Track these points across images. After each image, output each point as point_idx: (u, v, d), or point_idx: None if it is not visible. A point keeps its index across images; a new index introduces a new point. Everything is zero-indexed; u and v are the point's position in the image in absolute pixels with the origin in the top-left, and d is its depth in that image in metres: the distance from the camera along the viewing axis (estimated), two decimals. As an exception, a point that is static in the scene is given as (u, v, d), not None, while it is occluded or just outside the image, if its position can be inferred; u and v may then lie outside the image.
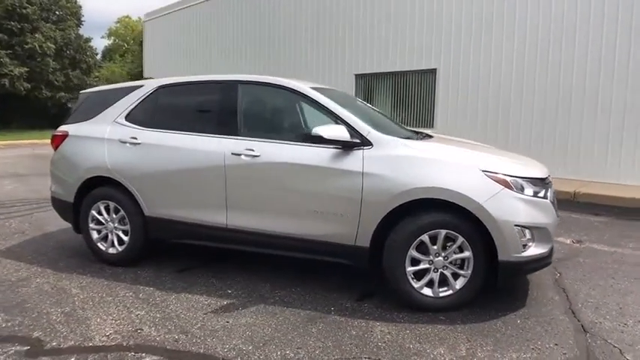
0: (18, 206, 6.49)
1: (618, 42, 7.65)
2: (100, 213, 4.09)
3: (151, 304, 3.30)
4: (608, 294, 3.54)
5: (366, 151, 3.25)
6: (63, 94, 27.86)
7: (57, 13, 28.96)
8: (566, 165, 8.24)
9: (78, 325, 2.97)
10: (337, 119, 3.40)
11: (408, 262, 3.16)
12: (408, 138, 3.55)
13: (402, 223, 3.15)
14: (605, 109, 7.89)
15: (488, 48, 9.17)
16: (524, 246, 3.07)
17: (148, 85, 4.14)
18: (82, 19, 31.42)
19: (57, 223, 5.12)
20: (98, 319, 3.05)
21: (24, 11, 25.01)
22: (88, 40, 31.54)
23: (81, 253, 4.37)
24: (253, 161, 3.50)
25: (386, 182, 3.14)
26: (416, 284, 3.18)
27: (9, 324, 2.98)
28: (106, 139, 4.05)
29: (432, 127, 9.95)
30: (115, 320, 3.04)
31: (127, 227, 4.00)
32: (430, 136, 3.99)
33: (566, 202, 6.63)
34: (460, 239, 3.09)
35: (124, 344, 2.74)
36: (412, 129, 4.53)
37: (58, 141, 4.37)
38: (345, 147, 3.27)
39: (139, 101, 4.09)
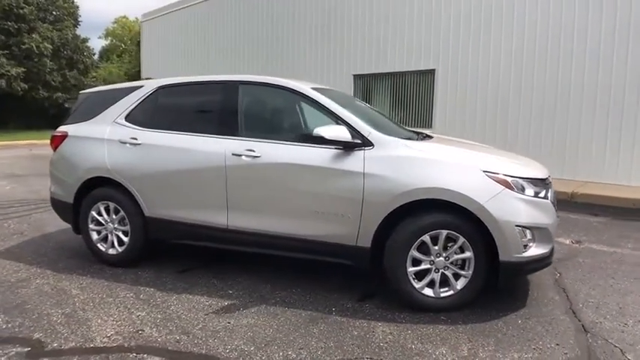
0: (16, 207, 6.46)
1: (617, 40, 7.68)
2: (99, 214, 4.08)
3: (152, 304, 3.29)
4: (608, 294, 3.55)
5: (367, 152, 3.26)
6: (60, 94, 27.75)
7: (54, 13, 28.84)
8: (564, 165, 8.27)
9: (79, 326, 2.96)
10: (338, 120, 3.40)
11: (409, 262, 3.16)
12: (408, 138, 3.55)
13: (403, 223, 3.16)
14: (603, 109, 7.92)
15: (487, 48, 9.20)
16: (525, 246, 3.08)
17: (148, 86, 4.13)
18: (79, 19, 31.31)
19: (56, 223, 5.11)
20: (99, 320, 3.04)
21: (21, 11, 24.90)
22: (85, 40, 31.44)
23: (81, 253, 4.36)
24: (254, 162, 3.50)
25: (387, 183, 3.15)
26: (417, 284, 3.18)
27: (9, 325, 2.97)
28: (105, 139, 4.04)
29: (431, 127, 9.97)
30: (116, 321, 3.03)
31: (127, 228, 3.99)
32: (430, 137, 4.00)
33: (564, 203, 6.64)
34: (461, 239, 3.09)
35: (126, 345, 2.73)
36: (411, 129, 4.53)
37: (57, 141, 4.35)
38: (346, 147, 3.28)
39: (139, 102, 4.09)
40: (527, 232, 3.07)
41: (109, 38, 44.29)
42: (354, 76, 11.60)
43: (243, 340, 2.80)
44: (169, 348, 2.70)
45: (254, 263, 4.09)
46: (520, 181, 3.14)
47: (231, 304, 3.31)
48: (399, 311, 3.18)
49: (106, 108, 4.18)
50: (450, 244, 3.14)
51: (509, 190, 3.06)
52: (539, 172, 3.39)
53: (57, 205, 4.40)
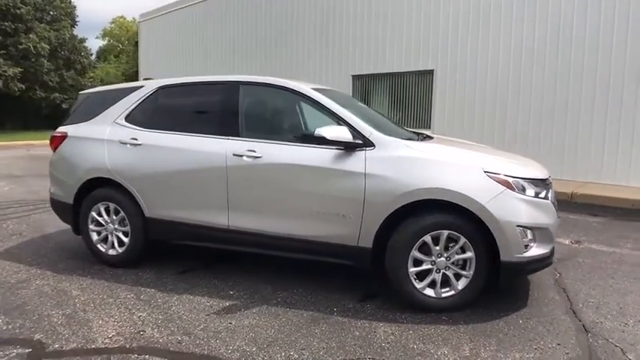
0: (15, 207, 6.44)
1: (615, 40, 7.71)
2: (99, 214, 4.08)
3: (153, 305, 3.29)
4: (608, 294, 3.56)
5: (369, 152, 3.26)
6: (57, 94, 27.71)
7: (51, 13, 28.79)
8: (563, 166, 8.29)
9: (80, 327, 2.96)
10: (339, 120, 3.41)
11: (410, 262, 3.16)
12: (409, 139, 3.56)
13: (404, 223, 3.16)
14: (601, 110, 7.95)
15: (486, 48, 9.22)
16: (526, 246, 3.09)
17: (148, 86, 4.13)
18: (77, 19, 31.30)
19: (55, 224, 5.10)
20: (100, 321, 3.03)
21: (18, 11, 24.85)
22: (83, 40, 31.40)
23: (80, 254, 4.35)
24: (255, 162, 3.49)
25: (388, 183, 3.15)
26: (418, 285, 3.19)
27: (9, 326, 2.96)
28: (106, 140, 4.03)
29: (429, 127, 9.99)
30: (117, 322, 3.02)
31: (127, 228, 3.98)
32: (430, 137, 4.00)
33: (564, 203, 6.65)
34: (462, 240, 3.10)
35: (127, 346, 2.72)
36: (411, 130, 4.54)
37: (57, 142, 4.34)
38: (348, 148, 3.28)
39: (139, 102, 4.08)
40: (528, 232, 3.08)
41: (107, 38, 44.21)
42: (353, 76, 11.61)
43: (245, 340, 2.79)
44: (171, 349, 2.70)
45: (255, 264, 4.09)
46: (521, 181, 3.14)
47: (233, 305, 3.30)
48: (401, 311, 3.19)
49: (106, 108, 4.17)
50: (451, 245, 3.15)
51: (511, 191, 3.07)
52: (540, 173, 3.40)
53: (57, 205, 4.39)
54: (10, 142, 18.00)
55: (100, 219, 4.07)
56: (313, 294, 3.49)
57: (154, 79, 4.55)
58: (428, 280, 3.19)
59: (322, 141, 3.26)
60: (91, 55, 35.08)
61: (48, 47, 26.41)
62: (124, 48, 41.80)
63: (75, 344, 2.74)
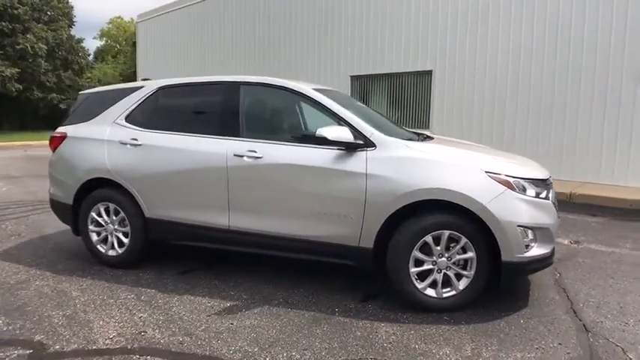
0: (13, 208, 6.41)
1: (613, 40, 7.74)
2: (99, 215, 4.06)
3: (154, 306, 3.28)
4: (607, 294, 3.57)
5: (370, 153, 3.26)
6: (55, 95, 27.65)
7: (48, 13, 28.74)
8: (561, 166, 8.31)
9: (80, 328, 2.95)
10: (340, 121, 3.41)
11: (411, 263, 3.17)
12: (409, 139, 3.56)
13: (405, 224, 3.16)
14: (599, 110, 7.97)
15: (484, 48, 9.24)
16: (527, 246, 3.09)
17: (149, 86, 4.12)
18: (74, 19, 31.23)
19: (54, 225, 5.08)
20: (101, 322, 3.02)
21: (15, 12, 24.79)
22: (80, 40, 31.35)
23: (80, 255, 4.33)
24: (256, 162, 3.49)
25: (389, 183, 3.15)
26: (419, 285, 3.19)
27: (10, 327, 2.95)
28: (106, 140, 4.02)
29: (428, 128, 9.99)
30: (118, 323, 3.02)
31: (127, 229, 3.97)
32: (431, 138, 4.01)
33: (563, 203, 6.65)
34: (463, 240, 3.10)
35: (129, 347, 2.72)
36: (410, 130, 4.54)
37: (56, 142, 4.33)
38: (349, 148, 3.28)
39: (139, 102, 4.07)
40: (529, 232, 3.09)
41: (104, 39, 44.13)
42: (352, 77, 11.61)
43: (246, 341, 2.79)
44: (173, 349, 2.70)
45: (255, 264, 4.09)
46: (522, 181, 3.15)
47: (234, 306, 3.30)
48: (402, 312, 3.19)
49: (106, 108, 4.16)
50: (452, 245, 3.15)
51: (511, 191, 3.08)
52: (540, 173, 3.41)
53: (56, 206, 4.37)
54: (7, 142, 17.95)
55: (99, 219, 4.06)
56: (314, 294, 3.49)
57: (153, 79, 4.54)
58: (429, 281, 3.19)
59: (323, 141, 3.26)
60: (89, 55, 35.05)
61: (45, 47, 26.35)
62: (121, 48, 41.74)
63: (76, 345, 2.73)
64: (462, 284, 3.18)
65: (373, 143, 3.28)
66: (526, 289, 3.63)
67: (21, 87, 25.19)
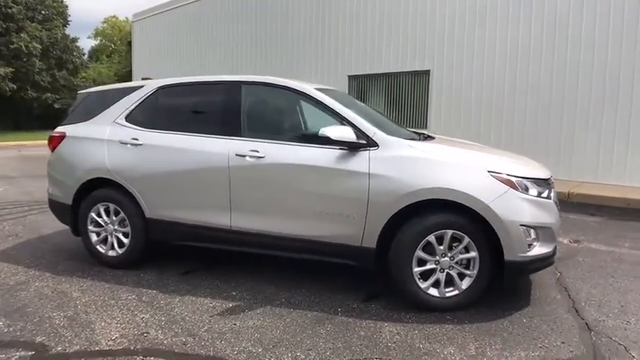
0: (9, 209, 6.36)
1: (610, 42, 7.78)
2: (99, 215, 4.04)
3: (156, 307, 3.26)
4: (608, 292, 3.59)
5: (372, 152, 3.26)
6: (49, 94, 27.48)
7: (43, 12, 28.56)
8: (559, 166, 8.34)
9: (82, 329, 2.92)
10: (343, 120, 3.40)
11: (414, 262, 3.16)
12: (411, 139, 3.56)
13: (408, 223, 3.16)
14: (597, 110, 8.01)
15: (482, 49, 9.26)
16: (530, 245, 3.10)
17: (149, 86, 4.09)
18: (69, 18, 31.07)
19: (52, 225, 5.05)
20: (102, 323, 3.00)
21: (9, 11, 24.63)
22: (75, 40, 31.17)
23: (79, 255, 4.30)
24: (258, 162, 3.48)
25: (392, 183, 3.15)
26: (422, 284, 3.19)
27: (11, 329, 2.92)
28: (106, 140, 4.00)
29: (426, 127, 10.01)
30: (120, 324, 3.00)
31: (128, 229, 3.95)
32: (432, 137, 4.01)
33: (561, 203, 6.66)
34: (466, 239, 3.11)
35: (132, 348, 2.70)
36: (410, 129, 4.54)
37: (55, 142, 4.29)
38: (352, 148, 3.27)
39: (139, 102, 4.05)
40: (532, 231, 3.10)
41: (99, 38, 43.91)
42: (349, 76, 11.61)
43: (250, 341, 2.78)
44: (176, 350, 2.68)
45: (257, 264, 4.07)
46: (524, 181, 3.16)
47: (236, 306, 3.29)
48: (405, 311, 3.19)
49: (106, 108, 4.14)
50: (455, 244, 3.15)
51: (514, 190, 3.08)
52: (542, 172, 3.43)
53: (55, 206, 4.34)
54: (1, 142, 17.80)
55: (99, 220, 4.04)
56: (317, 294, 3.48)
57: (152, 78, 4.52)
58: (432, 280, 3.20)
59: (326, 141, 3.25)
60: (83, 54, 34.83)
61: (40, 47, 26.20)
62: (116, 48, 41.56)
63: (78, 346, 2.71)
64: (464, 284, 3.18)
65: (376, 143, 3.28)
66: (528, 288, 3.64)
67: (15, 86, 25.02)
